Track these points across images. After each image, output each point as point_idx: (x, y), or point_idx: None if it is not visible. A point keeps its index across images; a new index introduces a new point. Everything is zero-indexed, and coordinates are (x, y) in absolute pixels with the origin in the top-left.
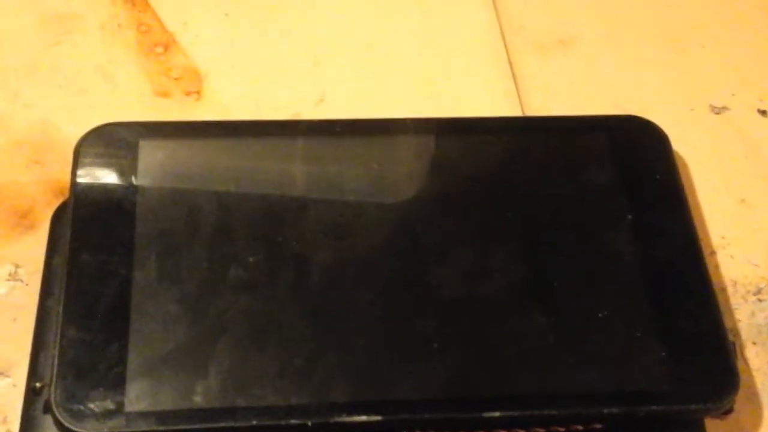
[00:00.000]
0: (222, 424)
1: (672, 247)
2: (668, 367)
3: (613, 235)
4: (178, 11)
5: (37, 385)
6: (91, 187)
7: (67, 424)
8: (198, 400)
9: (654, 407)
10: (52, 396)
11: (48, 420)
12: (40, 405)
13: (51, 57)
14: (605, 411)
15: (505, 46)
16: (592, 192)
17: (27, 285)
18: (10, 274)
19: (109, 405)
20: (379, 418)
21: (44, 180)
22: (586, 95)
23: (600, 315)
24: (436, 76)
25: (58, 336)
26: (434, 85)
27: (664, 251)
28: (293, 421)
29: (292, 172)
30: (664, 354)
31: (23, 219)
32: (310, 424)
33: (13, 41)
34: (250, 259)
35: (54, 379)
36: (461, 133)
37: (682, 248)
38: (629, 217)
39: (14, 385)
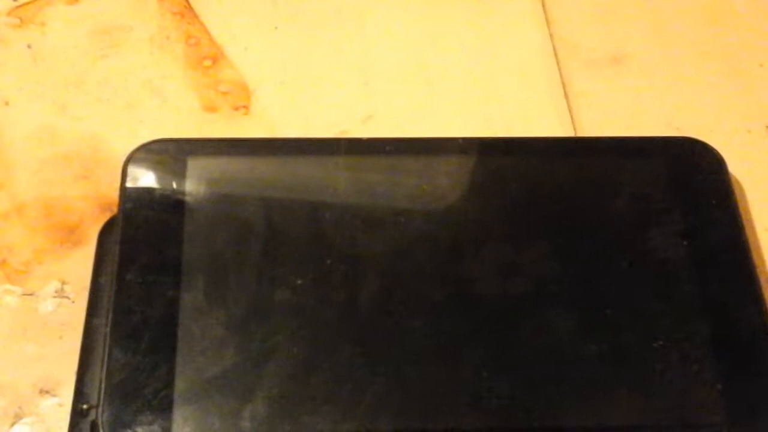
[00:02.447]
0: None
1: (728, 276)
2: (724, 401)
3: (667, 262)
4: (226, 23)
5: (84, 406)
6: (139, 205)
7: None
8: (245, 425)
9: None
10: (99, 418)
11: None
12: (86, 426)
13: (99, 70)
14: None
15: (558, 63)
16: (646, 216)
17: (74, 302)
18: (56, 291)
19: (156, 429)
20: None
21: (92, 195)
22: (640, 114)
23: (655, 345)
24: (487, 94)
25: (106, 358)
26: (485, 103)
27: (720, 279)
28: None
29: (342, 192)
30: (719, 387)
31: (71, 234)
32: None
33: (62, 53)
34: (299, 281)
35: (101, 401)
36: (512, 153)
37: (738, 277)
38: (684, 243)
39: (61, 405)
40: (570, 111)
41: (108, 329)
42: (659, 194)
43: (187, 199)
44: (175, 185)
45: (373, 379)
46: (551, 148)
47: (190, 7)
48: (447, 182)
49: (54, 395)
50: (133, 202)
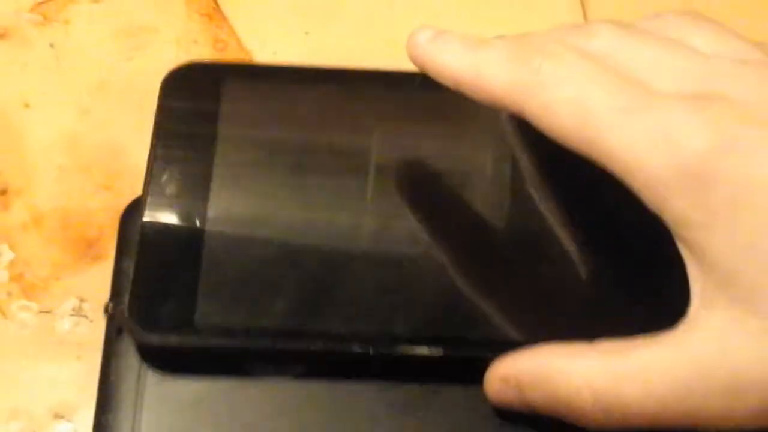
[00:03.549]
0: (287, 346)
1: None
2: None
3: None
4: (256, 27)
5: (109, 305)
6: (172, 124)
7: (138, 337)
8: (266, 320)
9: None
10: (126, 312)
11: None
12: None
13: (123, 72)
14: None
15: None
16: None
17: (92, 321)
18: (74, 309)
19: (181, 319)
20: (440, 351)
21: (113, 207)
22: None
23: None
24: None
25: (136, 252)
26: None
27: None
28: (356, 349)
29: (381, 122)
30: None
31: (90, 249)
32: (371, 352)
33: (86, 54)
34: (325, 196)
35: (129, 295)
36: None
37: None
38: None
39: (76, 431)
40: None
41: (139, 222)
42: None
43: (222, 118)
44: (209, 107)
45: (395, 283)
46: None
47: (218, 9)
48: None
49: (69, 421)
50: (166, 120)
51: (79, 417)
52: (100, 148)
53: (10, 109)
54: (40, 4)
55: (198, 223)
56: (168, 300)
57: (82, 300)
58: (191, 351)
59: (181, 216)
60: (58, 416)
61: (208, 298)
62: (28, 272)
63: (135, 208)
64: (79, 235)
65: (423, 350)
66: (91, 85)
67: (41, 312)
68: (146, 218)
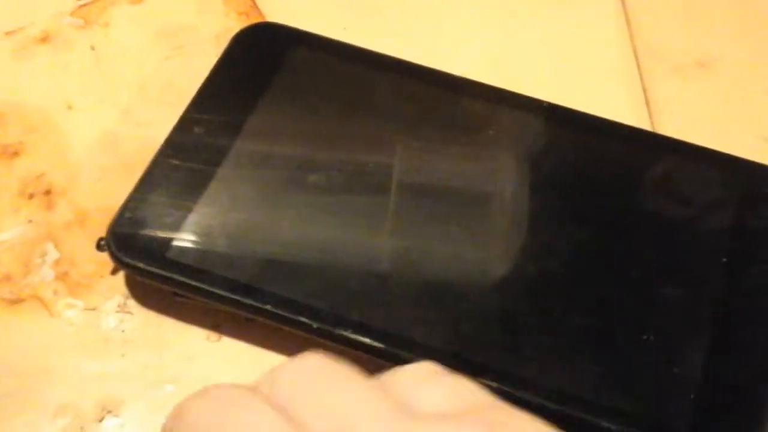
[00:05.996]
0: (240, 299)
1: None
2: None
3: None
4: (293, 23)
5: (101, 241)
6: (227, 73)
7: (111, 254)
8: (232, 271)
9: None
10: (111, 228)
11: None
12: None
13: (163, 72)
14: None
15: (638, 67)
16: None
17: (136, 318)
18: (119, 306)
19: (156, 247)
20: (381, 345)
21: None
22: (726, 123)
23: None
24: (564, 97)
25: (139, 179)
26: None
27: (753, 312)
28: (302, 318)
29: (413, 117)
30: (692, 396)
31: None
32: (315, 326)
33: (126, 55)
34: (336, 175)
35: (115, 215)
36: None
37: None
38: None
39: (122, 426)
40: (650, 117)
41: (153, 156)
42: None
43: (274, 83)
44: (268, 67)
45: (356, 272)
46: (629, 136)
47: (255, 7)
48: (514, 135)
49: (116, 416)
50: (224, 68)
51: (126, 411)
52: (141, 147)
53: (53, 110)
54: (80, 7)
55: (205, 170)
56: (149, 230)
57: (126, 297)
58: (153, 278)
59: (196, 157)
60: (105, 411)
61: (187, 240)
62: (73, 270)
63: None
64: None
65: (365, 339)
66: (132, 85)
67: (86, 309)
68: (163, 147)
